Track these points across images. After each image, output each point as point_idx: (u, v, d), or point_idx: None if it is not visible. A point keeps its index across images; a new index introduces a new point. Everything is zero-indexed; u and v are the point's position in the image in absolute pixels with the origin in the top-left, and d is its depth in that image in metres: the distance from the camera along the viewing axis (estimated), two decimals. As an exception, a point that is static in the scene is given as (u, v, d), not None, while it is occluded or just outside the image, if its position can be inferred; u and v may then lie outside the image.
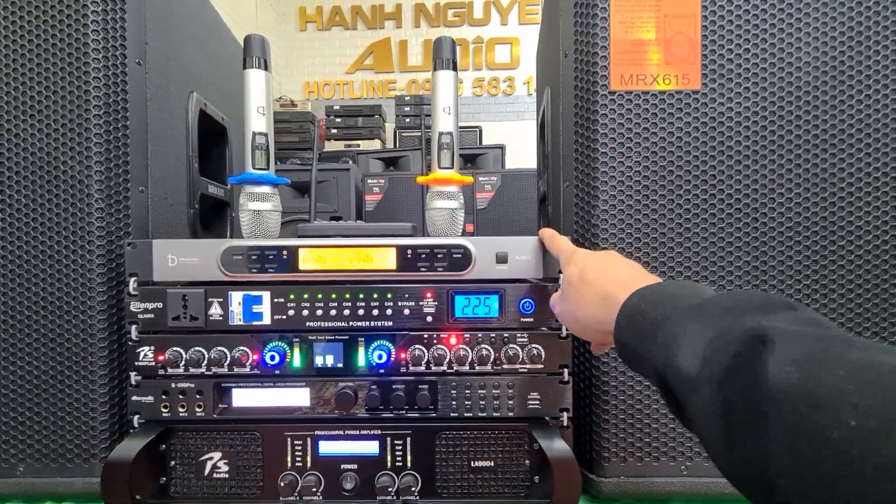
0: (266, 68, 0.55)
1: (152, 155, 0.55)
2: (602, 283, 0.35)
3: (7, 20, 0.49)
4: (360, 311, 0.48)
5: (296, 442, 0.48)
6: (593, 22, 0.48)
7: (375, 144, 3.50)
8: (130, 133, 0.52)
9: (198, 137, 0.68)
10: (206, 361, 0.47)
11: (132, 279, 0.48)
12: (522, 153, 3.96)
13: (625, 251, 0.48)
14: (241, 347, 0.48)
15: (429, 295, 0.48)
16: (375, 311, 0.48)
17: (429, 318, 0.48)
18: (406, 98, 3.52)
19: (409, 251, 0.48)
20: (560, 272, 0.42)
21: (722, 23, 0.47)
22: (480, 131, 3.37)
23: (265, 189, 0.55)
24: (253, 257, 0.48)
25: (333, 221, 0.56)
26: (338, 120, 3.50)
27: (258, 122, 0.54)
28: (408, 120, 3.52)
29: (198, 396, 0.47)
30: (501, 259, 0.48)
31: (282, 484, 0.47)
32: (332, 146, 3.48)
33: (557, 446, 0.44)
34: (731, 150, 0.47)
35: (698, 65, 0.47)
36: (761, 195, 0.47)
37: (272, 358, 0.47)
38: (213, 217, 0.78)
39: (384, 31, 4.05)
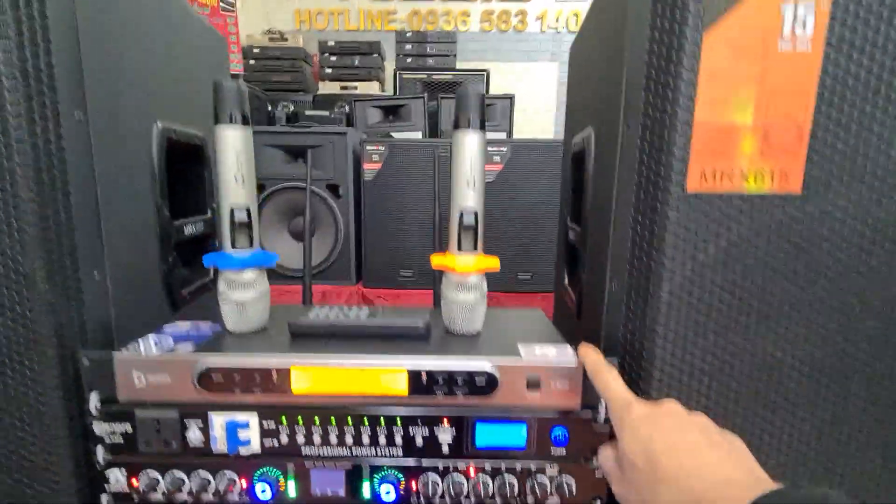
0: (246, 123, 0.43)
1: (107, 222, 0.45)
2: (685, 478, 0.28)
3: None
4: (365, 438, 0.41)
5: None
6: (674, 96, 0.36)
7: (373, 87, 3.25)
8: (74, 205, 0.41)
9: (166, 171, 0.56)
10: (187, 489, 0.41)
11: (93, 395, 0.40)
12: (532, 100, 3.71)
13: (684, 397, 0.40)
14: (228, 473, 0.41)
15: (445, 422, 0.41)
16: (383, 439, 0.41)
17: (445, 448, 0.41)
18: (407, 34, 3.21)
19: (424, 375, 0.40)
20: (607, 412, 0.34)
21: (843, 105, 0.36)
22: (488, 75, 3.12)
23: (249, 275, 0.45)
24: (236, 378, 0.40)
25: (330, 314, 0.47)
26: (332, 58, 3.21)
27: (237, 193, 0.44)
28: (409, 60, 3.24)
29: (180, 521, 0.42)
30: (533, 384, 0.41)
31: None
32: (327, 88, 3.22)
33: None
34: (832, 271, 0.38)
35: (803, 160, 0.37)
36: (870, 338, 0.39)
37: (263, 491, 0.41)
38: (195, 250, 0.68)
39: (384, -50, 3.60)
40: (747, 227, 0.38)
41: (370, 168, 1.84)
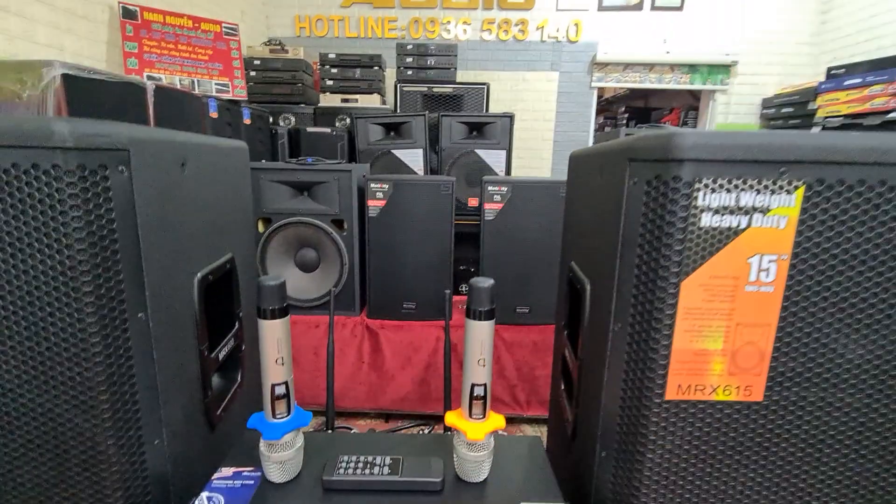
0: (284, 314, 0.49)
1: (164, 394, 0.52)
2: None
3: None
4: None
5: None
6: (656, 327, 0.42)
7: (375, 99, 3.26)
8: (140, 391, 0.48)
9: (204, 307, 0.62)
10: None
11: (159, 553, 0.47)
12: (533, 109, 3.73)
13: None
14: None
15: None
16: (406, 588, 0.49)
17: None
18: (408, 46, 3.20)
19: (442, 541, 0.47)
20: None
21: (798, 333, 0.43)
22: (488, 89, 3.14)
23: (287, 437, 0.52)
24: (282, 543, 0.47)
25: (357, 466, 0.54)
26: (333, 70, 3.21)
27: (276, 372, 0.50)
28: (409, 73, 3.25)
29: None
30: (533, 545, 0.48)
31: None
32: (328, 100, 3.23)
33: None
34: (791, 464, 0.45)
35: (764, 377, 0.43)
36: (806, 512, 0.46)
37: None
38: (227, 364, 0.74)
39: (384, -44, 3.56)
40: (716, 423, 0.45)
41: (374, 205, 1.90)
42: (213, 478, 0.54)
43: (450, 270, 1.90)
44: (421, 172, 2.84)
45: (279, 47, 3.16)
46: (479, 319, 0.50)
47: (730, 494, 0.46)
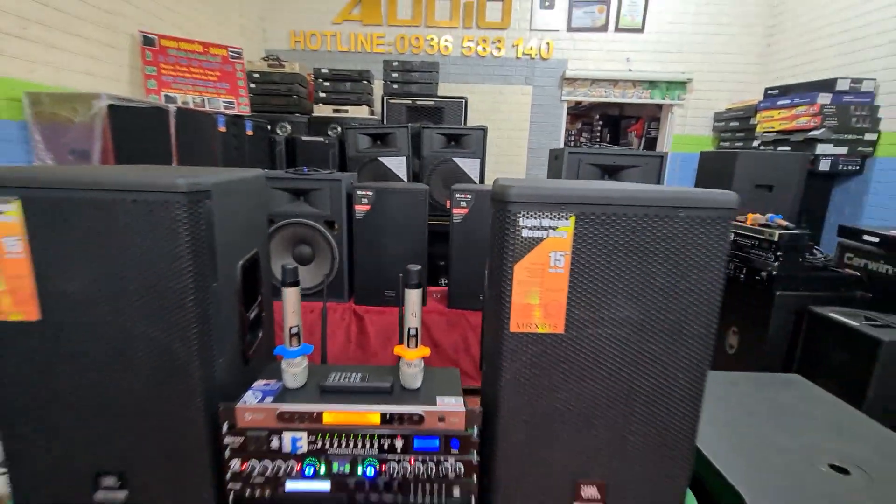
0: (297, 286, 0.84)
1: (221, 333, 0.86)
2: None
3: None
4: (359, 444, 0.84)
5: (322, 508, 0.86)
6: (504, 291, 0.78)
7: (363, 110, 3.59)
8: (214, 330, 0.83)
9: (242, 283, 0.97)
10: (269, 468, 0.83)
11: (224, 424, 0.82)
12: (509, 122, 4.08)
13: (521, 428, 0.83)
14: (291, 462, 0.84)
15: (398, 437, 0.84)
16: (368, 445, 0.84)
17: (399, 449, 0.84)
18: (394, 63, 3.54)
19: (389, 415, 0.83)
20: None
21: (578, 295, 0.78)
22: (466, 103, 3.49)
23: (298, 360, 0.87)
24: (296, 416, 0.82)
25: (341, 377, 0.89)
26: (326, 84, 3.54)
27: (293, 319, 0.85)
28: (395, 87, 3.58)
29: (262, 484, 0.84)
30: (441, 419, 0.83)
31: (315, 529, 0.86)
32: (321, 110, 3.56)
33: (465, 521, 0.83)
34: (584, 372, 0.81)
35: (563, 319, 0.79)
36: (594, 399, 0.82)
37: (310, 470, 0.84)
38: (255, 323, 1.08)
39: (373, -22, 3.89)
40: (539, 347, 0.80)
41: (360, 209, 2.24)
42: (252, 385, 0.89)
43: (425, 263, 2.25)
44: (405, 178, 3.19)
45: (277, 62, 3.48)
46: (412, 289, 0.85)
47: (550, 389, 0.82)
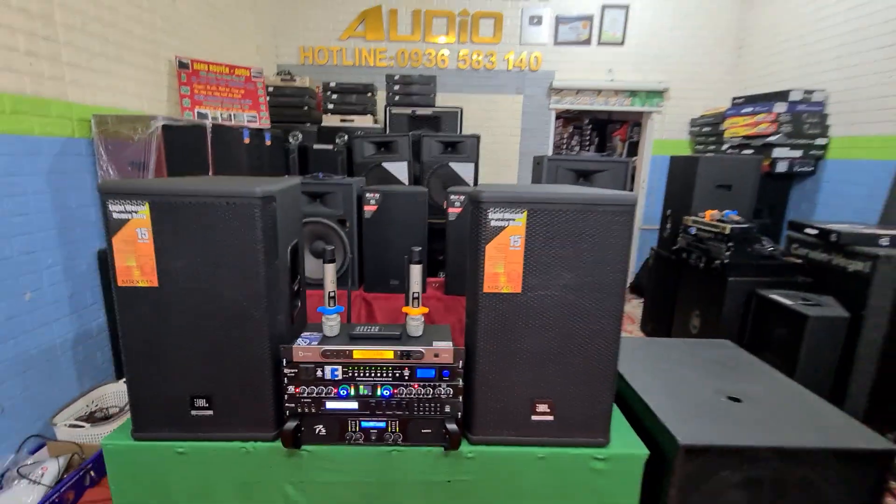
0: (333, 262, 1.19)
1: (278, 295, 1.21)
2: None
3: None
4: (379, 374, 1.19)
5: (350, 423, 1.21)
6: (478, 264, 1.13)
7: (368, 119, 3.94)
8: (277, 294, 1.17)
9: (290, 263, 1.32)
10: (314, 392, 1.18)
11: (283, 360, 1.17)
12: (501, 129, 4.43)
13: (496, 366, 1.18)
14: (329, 386, 1.19)
15: (406, 369, 1.18)
16: (385, 374, 1.19)
17: (406, 377, 1.19)
18: (396, 77, 3.89)
19: (399, 353, 1.18)
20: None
21: (532, 266, 1.13)
22: (461, 113, 3.83)
23: (334, 315, 1.22)
24: (336, 353, 1.17)
25: (365, 329, 1.24)
26: (334, 96, 3.89)
27: (330, 286, 1.20)
28: (397, 98, 3.93)
29: (311, 404, 1.19)
30: (436, 356, 1.18)
31: (347, 435, 1.21)
32: (329, 120, 3.91)
33: (453, 426, 1.18)
34: (536, 321, 1.16)
35: (520, 282, 1.14)
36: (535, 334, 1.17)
37: (344, 393, 1.19)
38: (296, 294, 1.42)
39: (375, -1, 4.25)
40: (504, 303, 1.15)
41: (369, 209, 2.58)
42: (300, 335, 1.24)
43: (425, 257, 2.58)
44: (406, 181, 3.55)
45: (289, 77, 3.84)
46: (415, 264, 1.20)
47: (513, 333, 1.17)
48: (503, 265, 1.13)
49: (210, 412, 1.22)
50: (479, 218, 1.12)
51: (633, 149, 5.19)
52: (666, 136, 4.39)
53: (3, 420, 1.73)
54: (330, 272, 1.22)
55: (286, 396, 1.19)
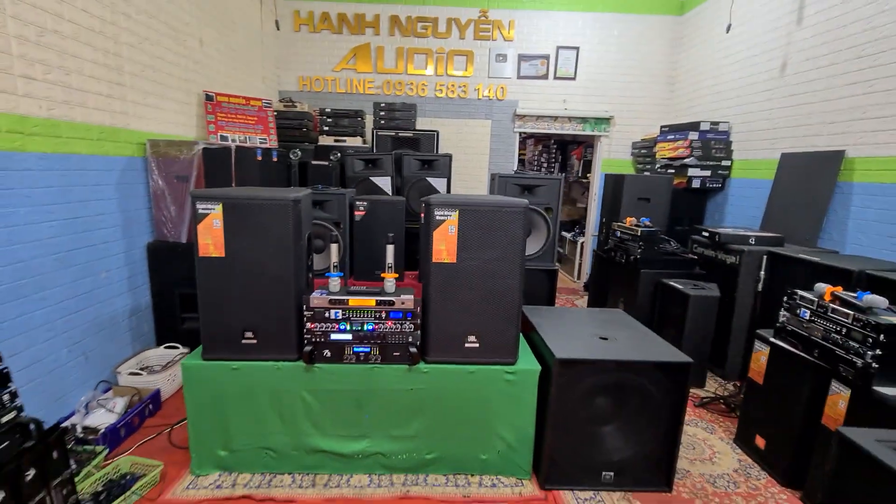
0: (337, 243, 1.85)
1: (300, 265, 1.87)
2: None
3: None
4: (366, 315, 1.84)
5: (346, 349, 1.86)
6: (428, 245, 1.80)
7: (357, 140, 4.62)
8: (299, 263, 1.83)
9: (306, 248, 1.97)
10: (323, 328, 1.83)
11: (304, 305, 1.82)
12: (473, 149, 5.14)
13: (450, 316, 1.85)
14: (332, 324, 1.84)
15: (383, 312, 1.84)
16: (369, 315, 1.84)
17: (383, 317, 1.85)
18: (382, 105, 4.59)
19: (378, 301, 1.83)
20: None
21: (464, 246, 1.81)
22: (437, 136, 4.53)
23: (336, 278, 1.87)
24: (338, 300, 1.82)
25: (358, 288, 1.90)
26: (329, 120, 4.56)
27: (335, 258, 1.86)
28: (382, 122, 4.63)
29: (321, 335, 1.84)
30: (403, 303, 1.84)
31: (344, 356, 1.86)
32: (324, 140, 4.57)
33: (413, 350, 1.84)
34: (466, 281, 1.84)
35: (455, 255, 1.81)
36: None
37: (342, 328, 1.84)
38: (309, 268, 2.07)
39: (364, 37, 4.96)
40: (446, 272, 1.82)
41: (359, 214, 3.23)
42: (314, 291, 1.89)
43: (402, 254, 3.23)
44: (389, 193, 4.24)
45: (291, 103, 4.50)
46: (389, 244, 1.87)
47: (451, 289, 1.84)
48: (444, 244, 1.81)
49: (254, 341, 1.86)
50: (429, 214, 1.80)
51: (587, 166, 5.95)
52: (612, 156, 5.14)
53: (87, 366, 2.32)
54: (335, 249, 1.88)
55: (305, 330, 1.84)
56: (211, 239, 1.77)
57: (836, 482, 1.33)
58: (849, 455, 1.30)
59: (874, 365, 1.66)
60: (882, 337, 1.64)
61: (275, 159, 3.83)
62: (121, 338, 2.59)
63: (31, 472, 1.40)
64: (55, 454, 1.50)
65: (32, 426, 1.43)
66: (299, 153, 4.62)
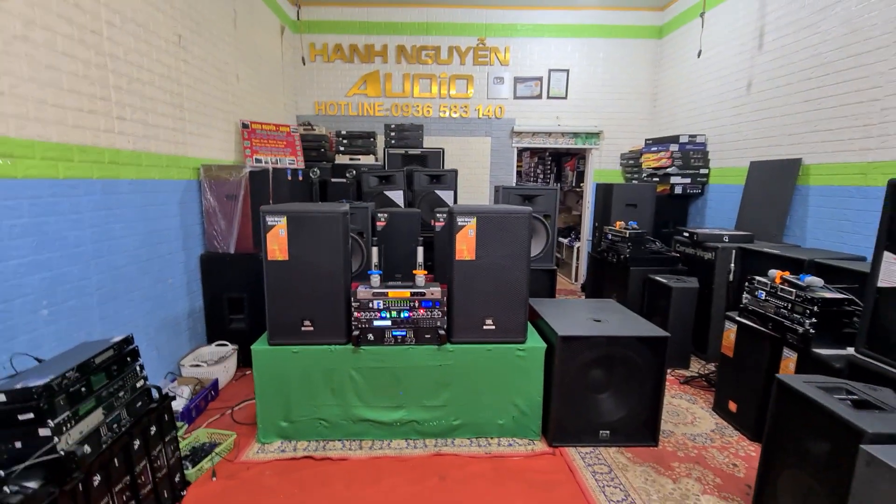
0: (380, 245, 2.28)
1: (347, 263, 2.29)
2: None
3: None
4: (401, 304, 2.26)
5: (386, 333, 2.27)
6: (454, 243, 2.23)
7: (370, 158, 5.07)
8: (346, 262, 2.25)
9: (349, 250, 2.39)
10: (368, 316, 2.25)
11: (352, 298, 2.23)
12: (472, 159, 5.59)
13: (468, 312, 2.28)
14: (374, 313, 2.25)
15: (416, 301, 2.26)
16: (405, 304, 2.26)
17: (416, 306, 2.26)
18: (392, 126, 5.05)
19: (411, 293, 2.25)
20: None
21: (482, 247, 2.24)
22: (443, 153, 4.98)
23: (376, 274, 2.29)
24: (380, 292, 2.24)
25: (395, 282, 2.32)
26: (344, 140, 5.02)
27: (376, 258, 2.28)
28: (393, 141, 5.08)
29: (366, 322, 2.25)
30: (433, 294, 2.26)
31: (385, 339, 2.27)
32: (340, 159, 5.02)
33: (441, 332, 2.25)
34: (484, 275, 2.26)
35: (474, 254, 2.24)
36: (485, 282, 2.28)
37: (383, 316, 2.25)
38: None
39: (374, 65, 5.44)
40: (466, 267, 2.25)
41: (380, 224, 3.64)
42: (359, 286, 2.31)
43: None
44: (402, 205, 4.68)
45: (310, 127, 4.97)
46: (419, 245, 2.30)
47: (472, 280, 2.26)
48: (465, 244, 2.24)
49: (312, 328, 2.27)
50: (452, 221, 2.23)
51: (580, 176, 6.41)
52: (603, 167, 5.60)
53: (158, 359, 2.72)
54: (375, 251, 2.30)
55: (353, 318, 2.26)
56: (277, 245, 2.19)
57: (776, 416, 1.74)
58: (784, 393, 1.72)
59: (811, 331, 2.08)
60: (816, 308, 2.07)
61: (300, 178, 4.27)
62: (181, 336, 2.99)
63: (154, 428, 1.80)
64: (166, 417, 1.90)
65: (155, 392, 1.83)
66: (318, 172, 5.07)
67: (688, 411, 2.77)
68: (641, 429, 2.37)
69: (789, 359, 2.23)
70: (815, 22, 3.29)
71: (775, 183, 3.60)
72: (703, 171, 4.51)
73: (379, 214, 3.66)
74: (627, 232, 3.73)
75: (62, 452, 1.32)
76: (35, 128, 1.86)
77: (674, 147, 4.51)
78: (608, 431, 2.35)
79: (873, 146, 2.84)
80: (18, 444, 1.30)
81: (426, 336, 2.30)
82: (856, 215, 2.96)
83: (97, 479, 1.45)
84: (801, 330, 2.13)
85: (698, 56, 4.48)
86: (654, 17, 5.42)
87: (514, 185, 5.75)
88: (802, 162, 3.39)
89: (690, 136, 4.51)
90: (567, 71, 5.47)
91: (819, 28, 3.26)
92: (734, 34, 4.18)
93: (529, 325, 2.48)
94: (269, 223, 2.18)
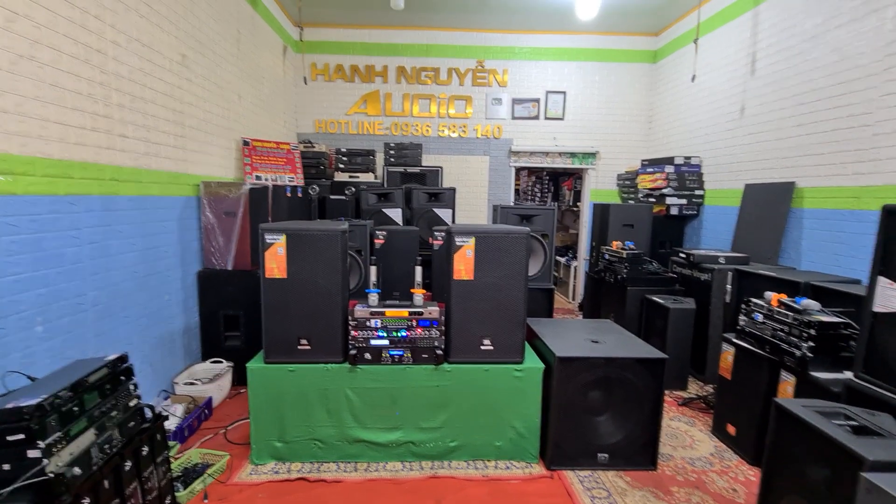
0: (379, 264, 2.28)
1: (346, 279, 2.28)
2: None
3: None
4: (399, 323, 2.25)
5: (383, 352, 2.25)
6: (450, 264, 2.24)
7: (370, 176, 5.10)
8: (345, 280, 2.25)
9: (348, 266, 2.39)
10: (365, 335, 2.24)
11: (349, 316, 2.23)
12: (470, 178, 5.64)
13: (468, 326, 2.27)
14: (372, 331, 2.24)
15: (414, 321, 2.25)
16: (402, 324, 2.25)
17: (414, 325, 2.25)
18: (391, 145, 5.10)
19: (409, 312, 2.25)
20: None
21: (480, 268, 2.24)
22: (441, 171, 5.02)
23: (374, 293, 2.29)
24: (377, 311, 2.23)
25: (393, 301, 2.31)
26: (344, 158, 5.06)
27: (374, 277, 2.28)
28: (392, 159, 5.13)
29: (363, 341, 2.24)
30: (430, 313, 2.25)
31: (382, 358, 2.25)
32: (340, 177, 5.05)
33: (439, 352, 2.24)
34: (478, 294, 2.26)
35: (472, 274, 2.24)
36: (483, 302, 2.28)
37: (380, 335, 2.24)
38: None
39: (374, 84, 5.53)
40: (464, 287, 2.25)
41: (378, 242, 3.65)
42: (357, 304, 2.30)
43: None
44: (401, 223, 4.69)
45: (310, 144, 5.01)
46: (418, 265, 2.30)
47: (469, 300, 2.26)
48: (463, 265, 2.24)
49: (308, 347, 2.25)
50: (450, 241, 2.24)
51: (577, 196, 6.47)
52: (600, 186, 5.66)
53: (153, 376, 2.69)
54: (374, 270, 2.30)
55: (349, 337, 2.24)
56: (275, 263, 2.19)
57: (775, 441, 1.73)
58: (783, 418, 1.71)
59: (809, 354, 2.09)
60: (813, 331, 2.08)
61: (300, 195, 4.29)
62: (175, 353, 2.96)
63: (146, 449, 1.77)
64: (158, 437, 1.87)
65: (148, 411, 1.81)
66: (317, 189, 5.09)
67: (686, 434, 2.74)
68: (640, 452, 2.34)
69: (787, 382, 2.22)
70: (806, 49, 3.38)
71: (770, 205, 3.64)
72: (698, 192, 4.56)
73: (377, 232, 3.67)
74: (625, 252, 3.75)
75: (51, 475, 1.29)
76: (37, 145, 1.88)
77: (669, 168, 4.57)
78: (606, 455, 2.33)
79: (865, 171, 2.89)
80: (7, 467, 1.27)
81: (423, 356, 2.29)
82: (850, 238, 2.99)
83: (86, 501, 1.42)
84: (798, 353, 2.13)
85: (692, 80, 4.58)
86: (649, 42, 5.55)
87: (512, 203, 5.80)
88: (796, 185, 3.44)
89: (685, 157, 4.57)
90: (564, 93, 5.57)
91: (810, 55, 3.35)
92: (727, 60, 4.28)
93: (527, 345, 2.47)
94: (268, 241, 2.18)
